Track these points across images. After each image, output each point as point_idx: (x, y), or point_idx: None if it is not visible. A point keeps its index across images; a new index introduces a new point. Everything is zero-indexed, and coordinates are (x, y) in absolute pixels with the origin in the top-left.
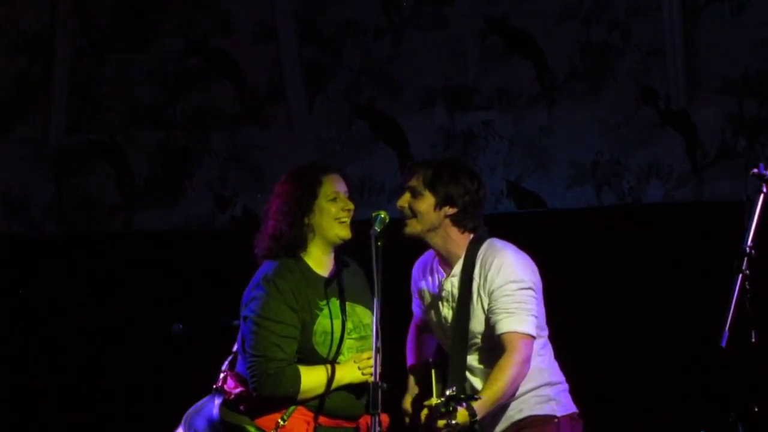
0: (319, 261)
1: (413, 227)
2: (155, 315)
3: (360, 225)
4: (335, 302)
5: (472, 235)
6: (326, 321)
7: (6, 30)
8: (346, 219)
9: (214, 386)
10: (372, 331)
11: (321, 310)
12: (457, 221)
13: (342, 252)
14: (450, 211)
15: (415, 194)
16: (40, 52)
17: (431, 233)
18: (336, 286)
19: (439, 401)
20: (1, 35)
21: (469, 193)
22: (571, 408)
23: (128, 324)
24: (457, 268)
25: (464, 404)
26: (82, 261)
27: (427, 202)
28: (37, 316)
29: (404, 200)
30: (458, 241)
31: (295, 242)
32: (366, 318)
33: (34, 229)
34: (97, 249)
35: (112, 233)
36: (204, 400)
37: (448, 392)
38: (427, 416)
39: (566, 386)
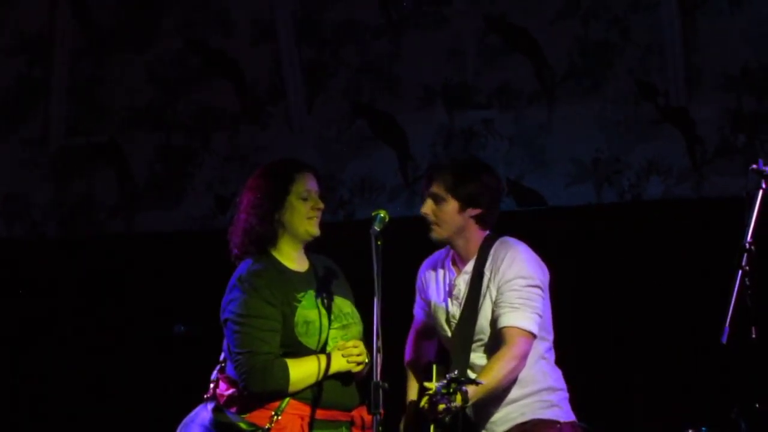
0: (290, 257)
1: (439, 233)
2: (156, 316)
3: (360, 224)
4: (312, 294)
5: (487, 232)
6: (306, 311)
7: (5, 31)
8: (315, 217)
9: (205, 396)
10: (353, 319)
11: (299, 302)
12: (480, 220)
13: (312, 250)
14: (474, 212)
15: (438, 200)
16: (40, 53)
17: (456, 236)
18: (311, 279)
19: (440, 383)
20: (0, 36)
21: (491, 190)
22: (571, 416)
23: (129, 325)
24: (470, 266)
25: (464, 388)
26: (82, 263)
27: (450, 207)
28: (38, 318)
29: (428, 207)
30: (476, 239)
31: (265, 237)
32: (346, 307)
33: (35, 230)
34: (97, 250)
35: (112, 235)
36: (196, 410)
37: (449, 375)
38: (428, 401)
39: (567, 395)
